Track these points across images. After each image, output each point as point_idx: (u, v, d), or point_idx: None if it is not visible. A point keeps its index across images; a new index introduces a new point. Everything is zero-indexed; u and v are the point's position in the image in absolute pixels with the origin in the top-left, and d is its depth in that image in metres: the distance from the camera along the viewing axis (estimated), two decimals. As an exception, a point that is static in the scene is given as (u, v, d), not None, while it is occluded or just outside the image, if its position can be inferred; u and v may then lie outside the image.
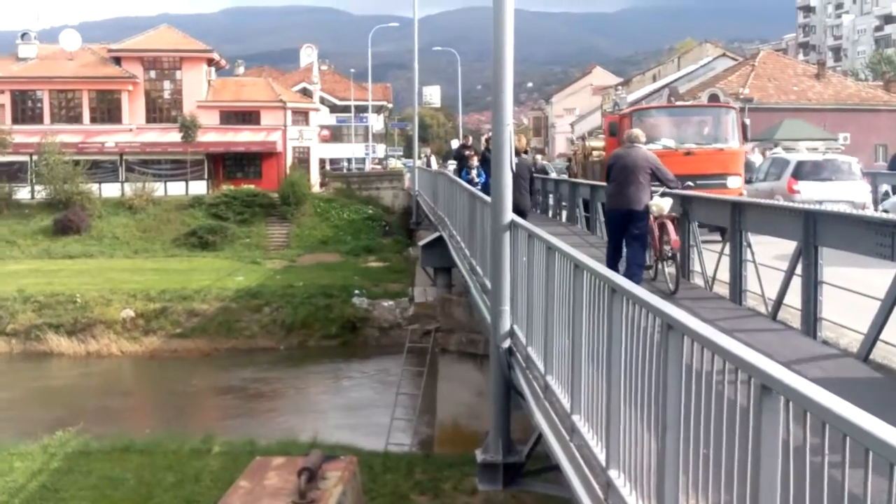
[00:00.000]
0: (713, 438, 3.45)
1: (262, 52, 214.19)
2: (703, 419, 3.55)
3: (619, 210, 11.29)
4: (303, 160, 55.82)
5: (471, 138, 23.94)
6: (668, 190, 11.60)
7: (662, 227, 11.34)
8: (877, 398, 6.83)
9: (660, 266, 11.80)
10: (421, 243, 22.49)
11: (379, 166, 72.31)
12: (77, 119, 52.35)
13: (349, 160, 73.82)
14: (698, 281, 12.31)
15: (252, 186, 50.42)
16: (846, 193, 17.79)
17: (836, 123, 46.18)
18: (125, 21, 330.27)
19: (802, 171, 19.56)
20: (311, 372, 31.24)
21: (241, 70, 77.11)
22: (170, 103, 53.74)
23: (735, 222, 10.59)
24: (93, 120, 52.47)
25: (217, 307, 35.15)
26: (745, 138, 18.77)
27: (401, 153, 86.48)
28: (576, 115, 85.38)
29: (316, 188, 54.27)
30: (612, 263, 11.12)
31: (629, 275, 10.22)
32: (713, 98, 49.93)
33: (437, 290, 21.59)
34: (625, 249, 11.43)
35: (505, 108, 8.74)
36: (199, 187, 51.39)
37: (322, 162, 67.10)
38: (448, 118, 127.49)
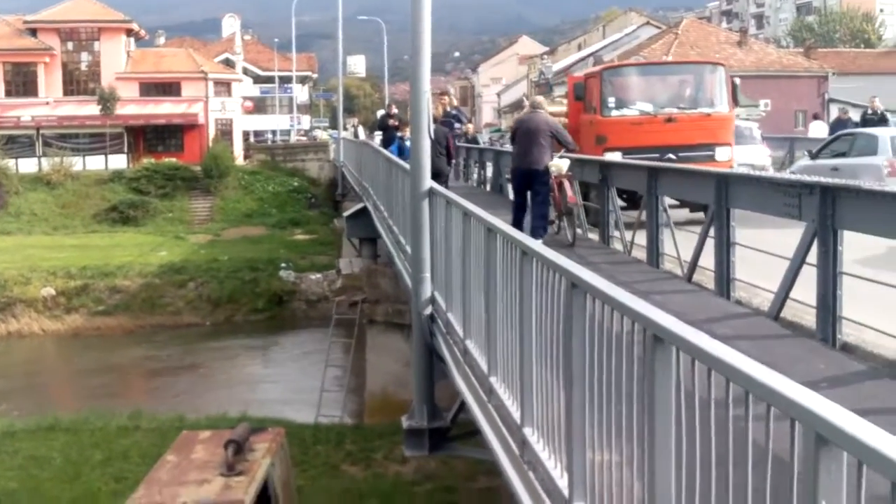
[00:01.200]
0: (614, 391, 3.57)
1: (183, 23, 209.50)
2: (605, 373, 3.67)
3: (522, 169, 12.44)
4: (226, 132, 55.05)
5: (395, 108, 23.73)
6: (566, 152, 12.91)
7: (561, 185, 12.46)
8: (782, 353, 7.11)
9: (562, 221, 12.92)
10: (346, 214, 22.48)
11: (305, 138, 71.61)
12: (-10, 92, 50.76)
13: (274, 132, 72.94)
14: (618, 246, 12.56)
15: (174, 160, 49.51)
16: (746, 157, 18.20)
17: (758, 90, 47.06)
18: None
19: None
20: (239, 347, 31.05)
21: (161, 41, 75.52)
22: (88, 75, 52.41)
23: (651, 187, 10.81)
24: (8, 93, 50.90)
25: (140, 283, 34.64)
26: (734, 101, 16.08)
27: (326, 124, 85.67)
28: (502, 85, 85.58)
29: (240, 160, 53.57)
30: (518, 218, 12.26)
31: (534, 227, 11.72)
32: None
33: (362, 261, 21.61)
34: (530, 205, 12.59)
35: (423, 76, 8.78)
36: (118, 161, 50.30)
37: (246, 134, 66.17)
38: (375, 89, 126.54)
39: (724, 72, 16.29)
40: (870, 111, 22.30)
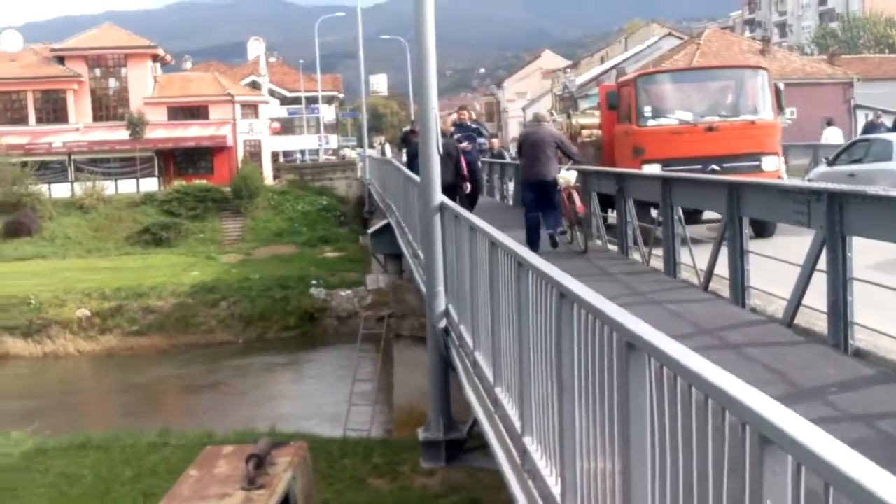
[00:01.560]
0: (598, 399, 3.64)
1: (209, 47, 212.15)
2: (591, 381, 3.74)
3: (531, 181, 13.10)
4: (254, 153, 55.59)
5: (418, 124, 23.92)
6: (574, 164, 13.45)
7: (570, 196, 12.95)
8: (793, 359, 7.12)
9: (574, 231, 13.32)
10: (370, 231, 22.63)
11: (333, 157, 72.11)
12: (23, 120, 51.67)
13: (302, 152, 73.50)
14: (636, 256, 12.59)
15: (204, 182, 50.07)
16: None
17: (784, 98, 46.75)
18: (70, 20, 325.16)
19: None
20: (271, 364, 31.30)
21: (188, 65, 76.50)
22: (116, 101, 53.21)
23: (666, 197, 10.84)
24: (38, 120, 51.82)
25: (173, 303, 35.04)
26: (779, 107, 14.91)
27: (354, 143, 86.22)
28: (527, 100, 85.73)
29: (269, 181, 54.08)
30: (532, 225, 12.93)
31: (551, 225, 12.89)
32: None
33: (388, 276, 21.74)
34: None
35: (430, 93, 8.93)
36: (150, 184, 51.00)
37: (275, 155, 66.77)
38: (401, 106, 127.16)
39: (766, 76, 15.39)
40: None
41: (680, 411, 2.80)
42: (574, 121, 19.18)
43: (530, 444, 5.05)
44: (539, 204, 12.85)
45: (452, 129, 16.06)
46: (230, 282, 36.77)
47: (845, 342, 7.09)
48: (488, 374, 6.57)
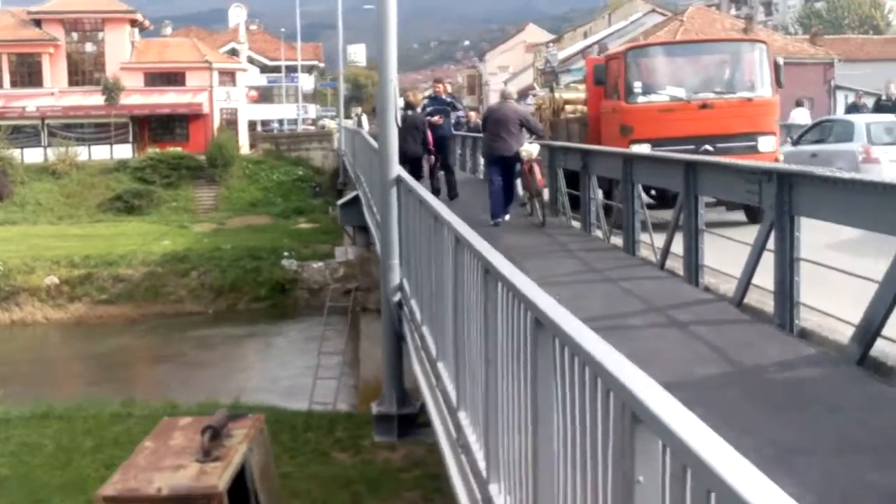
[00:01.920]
0: (515, 376, 3.61)
1: (191, 13, 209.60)
2: (511, 358, 3.71)
3: (493, 156, 13.63)
4: (231, 122, 55.15)
5: (411, 93, 23.79)
6: (537, 139, 14.03)
7: (531, 169, 13.46)
8: (737, 337, 7.15)
9: (535, 203, 13.90)
10: (340, 202, 22.50)
11: (312, 127, 71.65)
12: (-5, 83, 50.99)
13: (280, 121, 72.99)
14: (599, 234, 12.59)
15: (179, 149, 49.64)
16: None
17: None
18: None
19: None
20: (240, 335, 31.18)
21: (168, 31, 75.54)
22: (92, 66, 52.53)
23: (627, 174, 10.83)
24: (13, 84, 51.10)
25: (143, 272, 34.79)
26: (777, 83, 14.08)
27: (333, 113, 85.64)
28: (509, 73, 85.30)
29: (245, 150, 53.69)
30: (496, 198, 13.42)
31: (508, 200, 13.61)
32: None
33: (357, 249, 21.66)
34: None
35: (389, 65, 8.82)
36: (124, 151, 50.48)
37: (253, 123, 66.26)
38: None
39: (765, 50, 14.50)
40: (884, 97, 21.81)
41: (577, 389, 2.78)
42: (557, 95, 18.38)
43: (464, 418, 5.03)
44: (502, 177, 13.31)
45: (424, 101, 16.02)
46: (201, 251, 36.54)
47: (791, 322, 7.11)
48: (432, 348, 6.55)
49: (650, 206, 11.95)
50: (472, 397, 4.78)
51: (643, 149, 12.71)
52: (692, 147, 12.66)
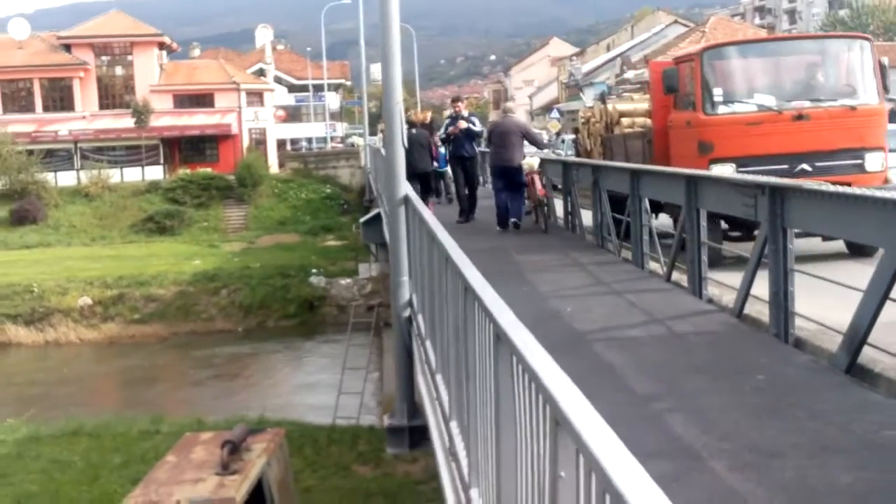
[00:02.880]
0: (486, 386, 3.83)
1: (220, 34, 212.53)
2: (483, 369, 3.93)
3: (499, 166, 14.59)
4: (259, 141, 55.90)
5: (413, 112, 23.94)
6: (538, 151, 15.31)
7: (532, 180, 14.56)
8: (732, 347, 7.32)
9: (538, 212, 14.98)
10: (362, 220, 22.81)
11: (341, 145, 72.27)
12: (29, 108, 52.08)
13: (309, 140, 73.68)
14: (610, 247, 12.77)
15: (208, 170, 50.36)
16: None
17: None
18: (81, 7, 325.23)
19: None
20: (269, 352, 31.58)
21: (196, 52, 76.77)
22: (122, 89, 53.54)
23: (634, 188, 11.02)
24: (45, 108, 52.21)
25: (174, 291, 35.34)
26: (884, 88, 11.83)
27: (361, 130, 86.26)
28: (534, 87, 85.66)
29: (274, 169, 54.33)
30: (502, 206, 14.61)
31: (512, 217, 14.50)
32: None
33: (380, 265, 21.93)
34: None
35: (394, 86, 9.10)
36: (155, 172, 51.35)
37: (282, 142, 66.97)
38: (411, 94, 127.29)
39: (868, 48, 12.15)
40: None
41: (527, 399, 2.98)
42: (611, 107, 16.10)
43: (454, 427, 5.26)
44: (506, 187, 14.41)
45: (447, 120, 16.44)
46: (231, 270, 37.04)
47: (786, 332, 7.28)
48: (433, 361, 6.79)
49: (729, 237, 11.23)
50: (458, 407, 5.02)
51: (725, 170, 10.93)
52: (785, 167, 10.90)
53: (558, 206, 15.79)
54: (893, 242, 5.78)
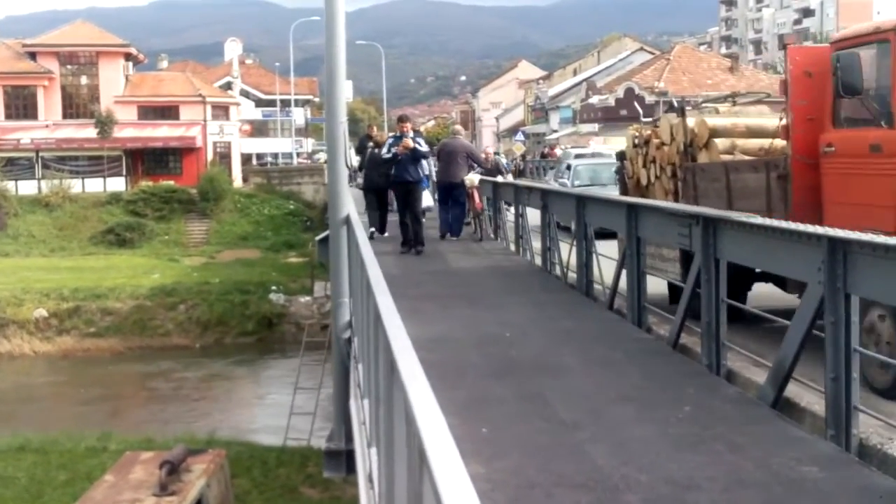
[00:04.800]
0: (384, 412, 3.82)
1: (190, 46, 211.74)
2: (384, 394, 3.93)
3: (444, 182, 16.42)
4: (224, 155, 55.59)
5: (375, 128, 23.76)
6: (478, 168, 17.07)
7: (472, 195, 16.62)
8: (662, 377, 7.35)
9: (475, 222, 17.23)
10: (318, 238, 22.65)
11: (308, 160, 72.12)
12: (-9, 116, 51.48)
13: (275, 155, 73.43)
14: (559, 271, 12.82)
15: (171, 182, 49.99)
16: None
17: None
18: (52, 14, 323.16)
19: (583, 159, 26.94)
20: (225, 370, 31.26)
21: (164, 64, 76.25)
22: (87, 99, 53.06)
23: (580, 216, 11.08)
24: (7, 116, 51.60)
25: (131, 305, 34.92)
26: None
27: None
28: (501, 109, 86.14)
29: (238, 183, 54.06)
30: (444, 217, 16.92)
31: (456, 225, 16.83)
32: (629, 92, 50.97)
33: (335, 284, 21.78)
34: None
35: (338, 105, 9.11)
36: (117, 184, 50.88)
37: (248, 157, 66.66)
38: (379, 111, 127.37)
39: None
40: None
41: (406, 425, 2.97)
42: (693, 122, 10.90)
43: (373, 453, 5.24)
44: (449, 200, 16.53)
45: (389, 140, 16.04)
46: (190, 285, 36.67)
47: (717, 363, 7.32)
48: (362, 383, 6.77)
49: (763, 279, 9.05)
50: (377, 431, 5.00)
51: None
52: None
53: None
54: (815, 277, 5.83)
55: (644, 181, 12.15)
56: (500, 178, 19.62)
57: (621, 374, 7.42)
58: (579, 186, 20.09)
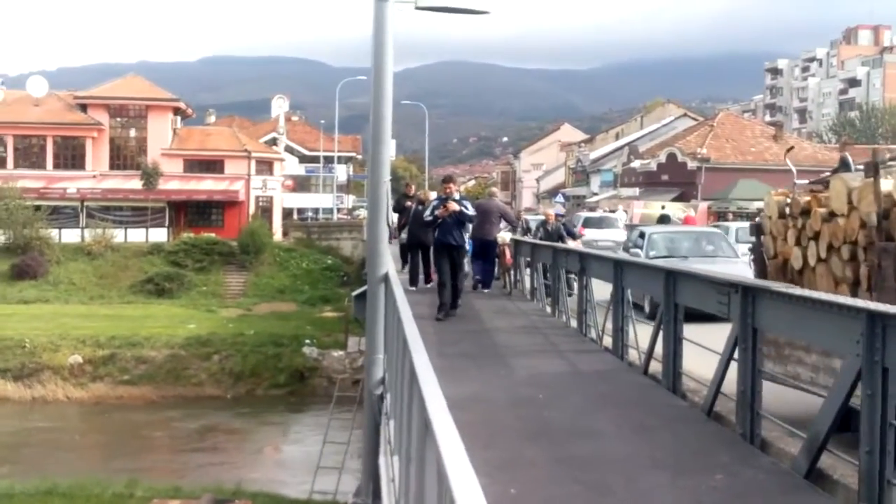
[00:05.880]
0: (417, 471, 3.83)
1: (237, 102, 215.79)
2: (417, 452, 3.94)
3: (479, 239, 17.25)
4: (266, 209, 56.30)
5: (413, 187, 23.81)
6: (508, 227, 18.53)
7: (503, 251, 18.07)
8: (696, 445, 7.27)
9: (506, 277, 18.70)
10: (354, 294, 22.76)
11: (348, 216, 72.79)
12: (40, 164, 52.67)
13: (316, 210, 74.20)
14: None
15: (212, 234, 50.68)
16: (611, 236, 23.30)
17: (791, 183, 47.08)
18: (104, 67, 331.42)
19: (590, 222, 32.02)
20: (256, 421, 31.32)
21: (211, 119, 77.87)
22: (135, 150, 54.18)
23: (617, 280, 11.06)
24: (56, 166, 52.80)
25: (166, 354, 35.21)
26: None
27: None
28: (542, 171, 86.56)
29: (278, 237, 54.65)
30: (476, 270, 17.95)
31: (487, 279, 17.93)
32: (671, 158, 51.05)
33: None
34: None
35: (382, 164, 9.22)
36: (159, 234, 51.71)
37: (289, 211, 67.43)
38: (420, 170, 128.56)
39: None
40: None
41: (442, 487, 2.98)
42: (888, 186, 7.81)
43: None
44: (481, 256, 17.69)
45: (434, 202, 16.01)
46: (225, 336, 36.94)
47: (752, 432, 7.23)
48: (393, 441, 6.76)
49: None
50: (406, 490, 4.99)
51: None
52: None
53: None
54: (854, 349, 5.77)
55: (797, 263, 9.04)
56: (570, 244, 18.50)
57: (656, 439, 7.34)
58: (655, 258, 16.59)
